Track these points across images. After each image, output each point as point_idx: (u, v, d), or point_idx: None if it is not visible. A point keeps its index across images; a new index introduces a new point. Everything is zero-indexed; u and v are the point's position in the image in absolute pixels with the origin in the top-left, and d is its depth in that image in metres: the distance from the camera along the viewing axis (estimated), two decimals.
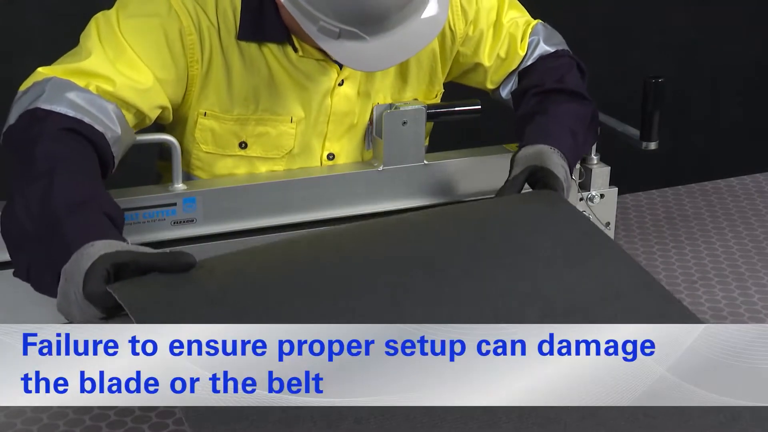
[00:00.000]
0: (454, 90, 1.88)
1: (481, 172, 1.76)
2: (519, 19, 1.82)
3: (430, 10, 1.55)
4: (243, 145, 1.69)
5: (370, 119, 1.73)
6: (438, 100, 1.83)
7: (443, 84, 1.84)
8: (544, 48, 1.82)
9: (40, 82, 1.50)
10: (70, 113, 1.46)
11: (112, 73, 1.52)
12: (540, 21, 1.85)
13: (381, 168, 1.69)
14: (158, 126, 1.72)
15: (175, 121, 1.68)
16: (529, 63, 1.82)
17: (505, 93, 1.85)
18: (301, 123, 1.70)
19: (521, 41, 1.81)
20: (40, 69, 1.53)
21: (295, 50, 1.65)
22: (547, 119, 1.70)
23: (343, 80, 1.70)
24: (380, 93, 1.75)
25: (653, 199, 2.09)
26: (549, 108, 1.72)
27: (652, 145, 1.84)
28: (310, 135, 1.71)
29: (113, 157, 1.48)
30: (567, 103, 1.74)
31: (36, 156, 1.37)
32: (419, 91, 1.79)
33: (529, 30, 1.82)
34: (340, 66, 1.68)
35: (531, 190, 1.58)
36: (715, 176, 2.19)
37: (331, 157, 1.74)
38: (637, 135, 1.86)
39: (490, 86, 1.86)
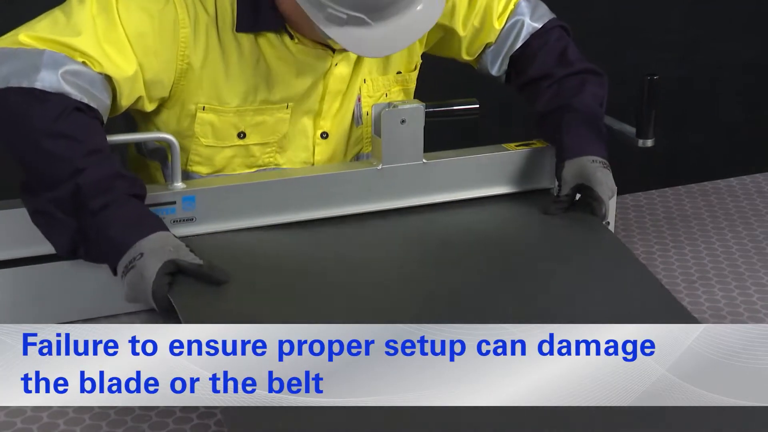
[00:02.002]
0: (453, 89, 1.88)
1: (480, 170, 1.76)
2: None
3: None
4: (241, 135, 1.69)
5: (358, 97, 1.75)
6: (416, 72, 1.85)
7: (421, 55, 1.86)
8: (531, 26, 1.83)
9: (30, 52, 1.49)
10: (71, 93, 1.48)
11: (99, 55, 1.52)
12: None
13: (380, 167, 1.69)
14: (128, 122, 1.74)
15: (168, 119, 1.68)
16: (519, 45, 1.82)
17: (495, 71, 1.86)
18: (296, 107, 1.71)
19: (499, 15, 1.82)
20: (22, 37, 1.51)
21: (291, 37, 1.65)
22: (574, 117, 1.74)
23: (338, 62, 1.71)
24: (365, 68, 1.76)
25: (653, 199, 2.09)
26: (572, 102, 1.75)
27: (649, 143, 1.83)
28: (303, 116, 1.73)
29: (103, 125, 1.54)
30: (584, 88, 1.77)
31: (50, 150, 1.45)
32: (401, 64, 1.81)
33: (510, 7, 1.82)
34: (333, 50, 1.69)
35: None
36: (715, 176, 2.19)
37: (324, 135, 1.75)
38: (634, 133, 1.85)
39: (466, 57, 1.87)
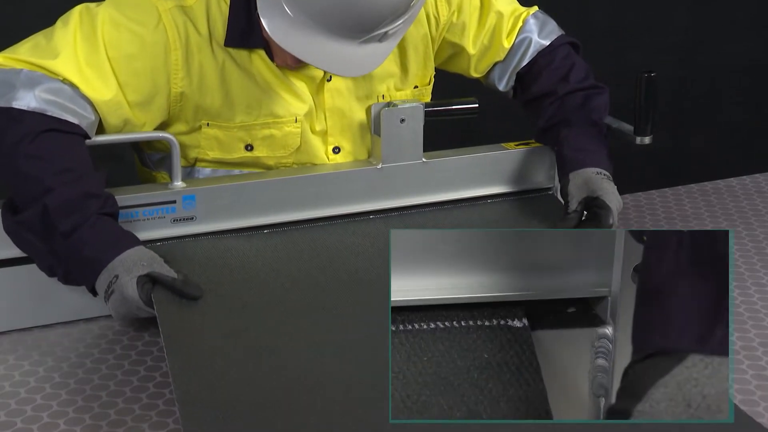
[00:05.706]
0: (452, 88, 1.88)
1: (479, 169, 1.77)
2: (507, 7, 1.82)
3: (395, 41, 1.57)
4: (249, 148, 1.68)
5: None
6: (431, 86, 1.84)
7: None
8: (539, 43, 1.82)
9: (7, 72, 1.49)
10: (47, 111, 1.48)
11: (77, 77, 1.52)
12: (531, 13, 1.84)
13: (380, 166, 1.69)
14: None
15: (172, 133, 1.65)
16: (526, 63, 1.82)
17: (502, 87, 1.87)
18: (304, 121, 1.69)
19: (508, 34, 1.81)
20: (0, 58, 1.51)
21: (271, 58, 1.64)
22: (574, 131, 1.74)
23: (330, 77, 1.69)
24: (383, 84, 1.75)
25: (653, 199, 2.09)
26: (572, 118, 1.75)
27: (646, 140, 1.82)
28: (313, 132, 1.71)
29: (88, 138, 1.53)
30: (586, 103, 1.77)
31: (23, 172, 1.46)
32: (417, 77, 1.80)
33: (519, 24, 1.82)
34: None
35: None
36: (715, 176, 2.19)
37: (336, 150, 1.74)
38: (632, 130, 1.85)
39: (474, 74, 1.87)
